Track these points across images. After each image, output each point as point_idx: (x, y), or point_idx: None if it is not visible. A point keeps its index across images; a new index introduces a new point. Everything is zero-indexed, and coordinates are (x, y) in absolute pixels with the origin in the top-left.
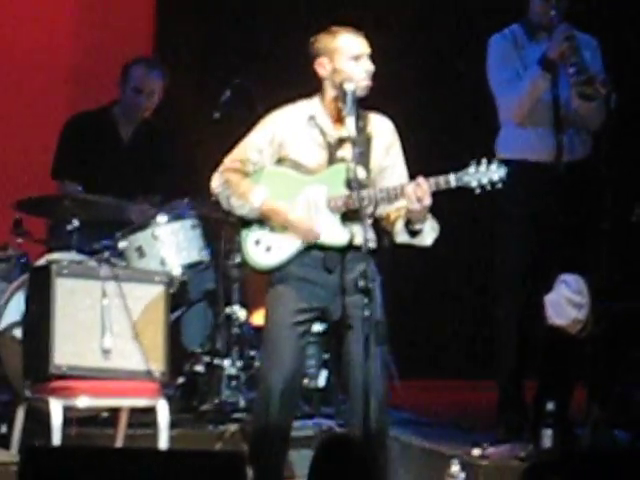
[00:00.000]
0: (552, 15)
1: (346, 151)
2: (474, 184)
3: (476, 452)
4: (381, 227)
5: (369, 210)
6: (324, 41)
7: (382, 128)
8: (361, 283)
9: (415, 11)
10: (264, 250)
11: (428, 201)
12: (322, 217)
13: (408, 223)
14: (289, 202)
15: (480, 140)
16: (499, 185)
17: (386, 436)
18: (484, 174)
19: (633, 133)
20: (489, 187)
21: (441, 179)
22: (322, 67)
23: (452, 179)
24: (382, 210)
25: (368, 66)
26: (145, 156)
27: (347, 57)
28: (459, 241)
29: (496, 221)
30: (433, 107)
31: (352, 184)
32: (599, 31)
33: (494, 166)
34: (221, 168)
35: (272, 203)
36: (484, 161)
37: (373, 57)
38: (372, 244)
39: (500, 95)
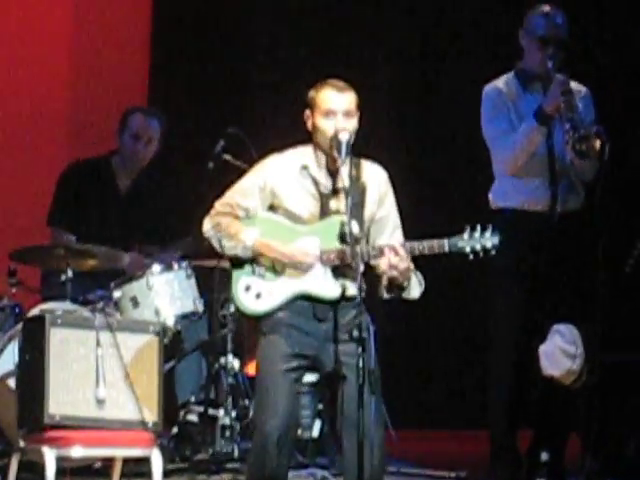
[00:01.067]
0: (549, 66)
1: (340, 202)
2: (467, 250)
3: None
4: (374, 276)
5: (360, 268)
6: (311, 94)
7: (376, 177)
8: (355, 333)
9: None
10: (254, 296)
11: (403, 266)
12: (314, 269)
13: (392, 282)
14: None
15: (476, 191)
16: (492, 252)
17: None
18: (477, 240)
19: (626, 182)
20: (482, 254)
21: (435, 243)
22: (307, 119)
23: (446, 245)
24: (374, 261)
25: (341, 123)
26: (142, 207)
27: (320, 112)
28: (452, 292)
29: (489, 271)
30: (427, 159)
31: (346, 239)
32: (588, 78)
33: (488, 233)
34: (212, 212)
35: (264, 240)
36: (478, 227)
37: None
38: (363, 294)
39: (495, 148)
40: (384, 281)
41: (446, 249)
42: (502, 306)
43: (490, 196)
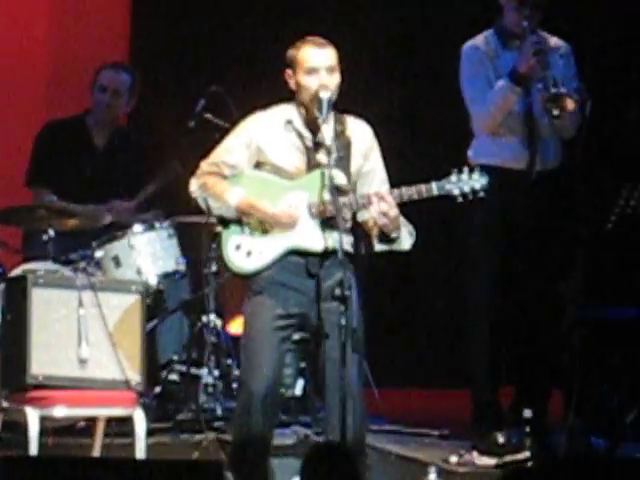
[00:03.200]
0: (524, 25)
1: (325, 155)
2: (456, 192)
3: (453, 459)
4: (362, 231)
5: (348, 216)
6: (290, 53)
7: (360, 132)
8: (337, 291)
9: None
10: (245, 255)
11: (393, 213)
12: (303, 222)
13: (382, 233)
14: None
15: (457, 146)
16: (481, 194)
17: (364, 443)
18: (466, 182)
19: (607, 138)
20: (471, 196)
21: (422, 187)
22: (288, 78)
23: (434, 187)
24: (361, 216)
25: (324, 79)
26: (119, 163)
27: (303, 70)
28: (433, 249)
29: (469, 227)
30: (410, 111)
31: (332, 190)
32: (574, 34)
33: (476, 175)
34: (198, 172)
35: (250, 199)
36: (466, 169)
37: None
38: (349, 247)
39: (472, 106)
40: (375, 232)
41: (434, 192)
42: (480, 262)
43: (469, 153)
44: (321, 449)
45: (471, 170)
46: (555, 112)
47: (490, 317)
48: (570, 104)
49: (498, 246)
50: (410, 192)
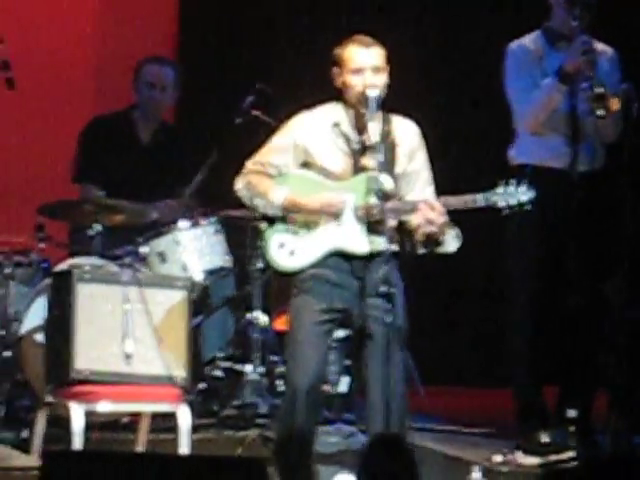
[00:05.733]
0: (573, 25)
1: (371, 159)
2: (502, 204)
3: (497, 459)
4: (406, 231)
5: (393, 222)
6: (337, 52)
7: (407, 132)
8: (383, 288)
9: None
10: (288, 253)
11: (440, 221)
12: (348, 225)
13: (427, 237)
14: None
15: (499, 148)
16: (528, 207)
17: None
18: (513, 195)
19: None
20: (517, 208)
21: (468, 198)
22: (335, 77)
23: (480, 199)
24: (406, 217)
25: (370, 79)
26: (165, 158)
27: (349, 70)
28: (477, 248)
29: (509, 227)
30: (456, 114)
31: (378, 194)
32: (619, 39)
33: (523, 187)
34: (244, 170)
35: (295, 197)
36: (513, 181)
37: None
38: (395, 247)
39: (516, 104)
40: (419, 236)
41: (480, 204)
42: (522, 262)
43: (511, 152)
44: (382, 440)
45: (518, 182)
46: (599, 112)
47: (534, 316)
48: (615, 104)
49: (539, 244)
50: (455, 202)
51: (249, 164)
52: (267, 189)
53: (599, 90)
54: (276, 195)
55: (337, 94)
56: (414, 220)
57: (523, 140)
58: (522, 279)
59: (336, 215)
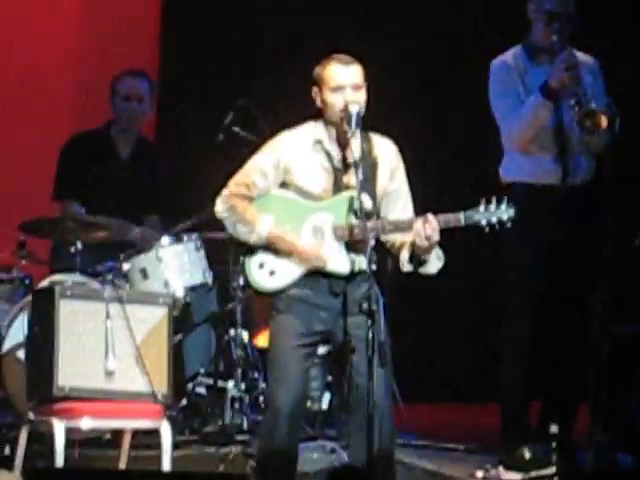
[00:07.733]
0: (554, 40)
1: (352, 177)
2: (483, 223)
3: (479, 474)
4: (385, 250)
5: (371, 241)
6: (317, 71)
7: (387, 151)
8: (364, 305)
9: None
10: (268, 274)
11: (436, 237)
12: (327, 245)
13: (413, 254)
14: (295, 228)
15: (486, 165)
16: (508, 225)
17: (392, 458)
18: (493, 213)
19: (636, 154)
20: (498, 227)
21: (450, 217)
22: (315, 96)
23: (462, 218)
24: (388, 237)
25: (350, 96)
26: (144, 175)
27: (329, 88)
28: (466, 266)
29: (501, 244)
30: (436, 129)
31: (358, 214)
32: (600, 50)
33: (504, 206)
34: (226, 192)
35: (278, 231)
36: (494, 200)
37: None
38: (374, 266)
39: (503, 122)
40: (406, 253)
41: (462, 222)
42: (514, 279)
43: (500, 171)
44: (342, 471)
45: (499, 201)
46: (589, 129)
47: (525, 332)
48: (604, 121)
49: (531, 261)
50: (437, 221)
51: (232, 185)
52: (254, 219)
53: (588, 107)
54: (261, 226)
55: (317, 113)
56: (406, 237)
57: (512, 157)
58: (517, 295)
59: (315, 267)
